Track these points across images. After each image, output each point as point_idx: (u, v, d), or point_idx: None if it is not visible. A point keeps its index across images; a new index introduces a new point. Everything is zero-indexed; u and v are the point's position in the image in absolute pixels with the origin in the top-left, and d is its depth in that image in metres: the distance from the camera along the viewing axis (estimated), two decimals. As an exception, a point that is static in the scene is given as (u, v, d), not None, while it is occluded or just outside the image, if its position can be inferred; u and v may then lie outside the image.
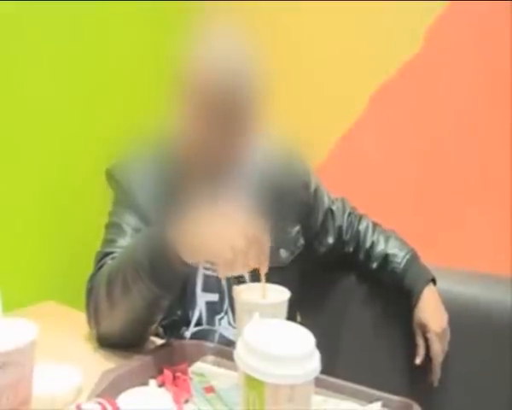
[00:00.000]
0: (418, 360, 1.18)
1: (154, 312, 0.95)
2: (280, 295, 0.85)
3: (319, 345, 0.65)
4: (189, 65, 0.99)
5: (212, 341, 1.07)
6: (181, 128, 1.01)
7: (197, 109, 0.98)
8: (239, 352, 0.64)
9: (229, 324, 1.12)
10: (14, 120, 1.49)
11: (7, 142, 1.46)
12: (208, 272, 1.10)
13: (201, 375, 0.89)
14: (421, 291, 1.20)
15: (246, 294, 0.84)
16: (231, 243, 0.78)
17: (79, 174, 1.64)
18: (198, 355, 0.95)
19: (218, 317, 1.12)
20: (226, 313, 1.12)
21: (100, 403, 0.64)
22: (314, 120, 1.61)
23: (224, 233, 0.79)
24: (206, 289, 1.11)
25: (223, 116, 0.97)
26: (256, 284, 0.85)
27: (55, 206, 1.60)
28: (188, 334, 1.10)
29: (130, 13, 1.82)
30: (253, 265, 0.81)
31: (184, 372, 0.87)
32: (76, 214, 1.64)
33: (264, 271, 0.83)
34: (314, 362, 0.61)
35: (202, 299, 1.11)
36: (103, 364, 0.92)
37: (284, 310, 0.84)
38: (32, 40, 1.54)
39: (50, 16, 1.58)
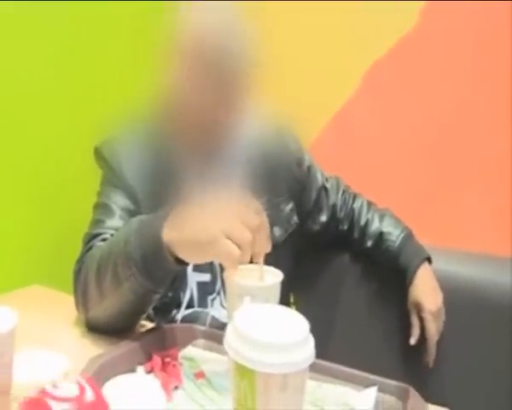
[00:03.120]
0: (413, 340, 1.17)
1: (144, 304, 0.92)
2: (273, 277, 0.82)
3: (312, 325, 0.63)
4: (180, 28, 0.96)
5: (203, 323, 1.06)
6: (172, 95, 0.98)
7: (189, 73, 0.95)
8: (229, 339, 0.61)
9: (222, 305, 1.10)
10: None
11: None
12: None
13: (192, 360, 0.86)
14: (416, 270, 1.19)
15: (237, 276, 0.81)
16: (238, 240, 0.75)
17: (66, 155, 1.60)
18: (189, 339, 0.93)
19: (210, 297, 1.10)
20: (218, 293, 1.10)
21: (78, 383, 0.58)
22: (307, 97, 1.56)
23: (227, 229, 0.75)
24: (197, 268, 1.08)
25: (215, 79, 0.94)
26: (248, 266, 0.82)
27: (41, 187, 1.56)
28: (179, 316, 1.08)
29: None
30: (258, 252, 0.78)
31: (174, 358, 0.84)
32: (63, 196, 1.61)
33: (263, 254, 0.80)
34: (308, 350, 0.59)
35: (193, 279, 1.09)
36: (91, 349, 0.90)
37: (277, 293, 0.81)
38: (17, 26, 1.50)
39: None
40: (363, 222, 1.27)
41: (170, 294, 1.07)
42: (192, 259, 0.83)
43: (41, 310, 1.05)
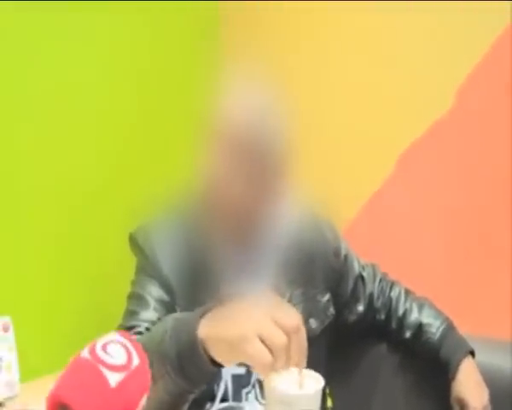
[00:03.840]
0: (457, 440, 1.11)
1: (178, 404, 0.89)
2: (314, 382, 0.79)
3: None
4: (218, 116, 0.96)
5: (238, 420, 1.02)
6: (209, 182, 0.97)
7: (225, 160, 0.94)
8: None
9: (257, 399, 1.06)
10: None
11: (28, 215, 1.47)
12: None
13: None
14: (459, 364, 1.14)
15: (277, 381, 0.78)
16: (271, 343, 0.71)
17: (104, 242, 1.62)
18: (225, 440, 0.90)
19: (244, 391, 1.06)
20: (254, 386, 1.06)
21: (124, 346, 0.58)
22: (340, 181, 1.57)
23: (260, 330, 0.72)
24: None
25: (252, 167, 0.94)
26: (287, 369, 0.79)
27: (82, 274, 1.58)
28: (213, 410, 1.05)
29: (154, 62, 1.82)
30: (294, 360, 0.74)
31: None
32: (102, 284, 1.62)
33: (303, 363, 0.77)
34: None
35: (228, 371, 1.05)
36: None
37: (319, 400, 0.78)
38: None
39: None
40: (401, 312, 1.23)
41: (204, 386, 1.04)
42: (223, 358, 0.78)
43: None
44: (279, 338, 0.71)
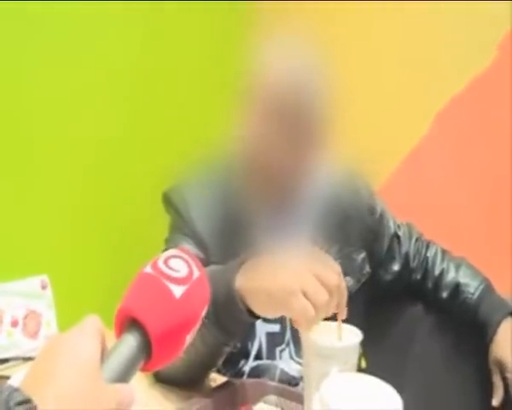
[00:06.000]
0: (495, 402, 1.10)
1: (214, 356, 0.91)
2: (353, 336, 0.79)
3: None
4: (255, 75, 0.93)
5: (272, 376, 1.03)
6: (245, 143, 0.95)
7: (263, 121, 0.92)
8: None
9: (291, 357, 1.06)
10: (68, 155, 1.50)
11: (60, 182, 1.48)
12: None
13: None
14: (497, 325, 1.12)
15: (315, 334, 0.78)
16: (314, 300, 0.72)
17: (136, 200, 1.63)
18: (260, 395, 0.90)
19: (278, 349, 1.06)
20: (288, 345, 1.06)
21: (184, 260, 0.59)
22: (376, 139, 1.53)
23: (305, 286, 0.73)
24: (266, 318, 1.05)
25: (290, 128, 0.91)
26: (324, 323, 0.79)
27: (111, 232, 1.59)
28: (247, 368, 1.05)
29: (190, 23, 1.80)
30: (333, 312, 0.76)
31: (247, 415, 0.82)
32: (133, 241, 1.63)
33: (342, 315, 0.77)
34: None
35: (262, 329, 1.06)
36: (159, 401, 0.88)
37: (356, 353, 0.78)
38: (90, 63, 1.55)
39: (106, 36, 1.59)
40: (437, 272, 1.21)
41: (238, 344, 1.04)
42: (263, 311, 0.80)
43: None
44: (323, 296, 0.73)
